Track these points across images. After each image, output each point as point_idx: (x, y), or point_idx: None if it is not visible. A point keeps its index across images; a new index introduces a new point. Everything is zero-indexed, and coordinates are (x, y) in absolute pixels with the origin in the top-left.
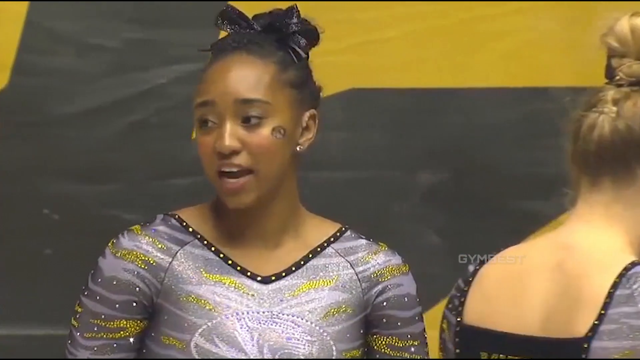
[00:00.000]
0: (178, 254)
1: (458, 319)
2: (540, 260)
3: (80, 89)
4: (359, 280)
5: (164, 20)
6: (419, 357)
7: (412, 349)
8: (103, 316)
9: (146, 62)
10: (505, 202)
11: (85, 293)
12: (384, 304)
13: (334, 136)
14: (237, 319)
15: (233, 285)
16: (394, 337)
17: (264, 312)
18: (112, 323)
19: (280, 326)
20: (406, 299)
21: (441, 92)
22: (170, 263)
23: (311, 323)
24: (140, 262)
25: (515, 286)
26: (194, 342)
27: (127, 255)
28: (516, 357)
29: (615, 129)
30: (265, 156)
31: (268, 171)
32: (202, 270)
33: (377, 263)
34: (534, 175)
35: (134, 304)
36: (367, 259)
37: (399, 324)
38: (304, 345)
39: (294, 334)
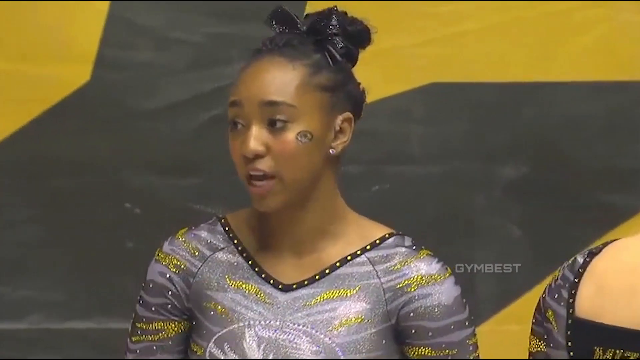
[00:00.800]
0: (209, 259)
1: (570, 312)
2: None
3: (161, 83)
4: (383, 290)
5: (244, 14)
6: None
7: (449, 358)
8: (144, 319)
9: (227, 56)
10: (587, 195)
11: (137, 298)
12: (411, 315)
13: (414, 130)
14: (247, 327)
15: (253, 292)
16: (427, 348)
17: (276, 322)
18: (151, 325)
19: (288, 336)
20: (437, 310)
21: (523, 86)
22: (199, 268)
23: (320, 334)
24: (172, 266)
25: (630, 280)
26: (209, 350)
27: (164, 259)
28: (632, 353)
29: None
30: (288, 161)
31: (293, 176)
32: (226, 276)
33: (405, 274)
34: (616, 169)
35: (169, 306)
36: (396, 268)
37: (430, 334)
38: (309, 356)
39: (300, 345)
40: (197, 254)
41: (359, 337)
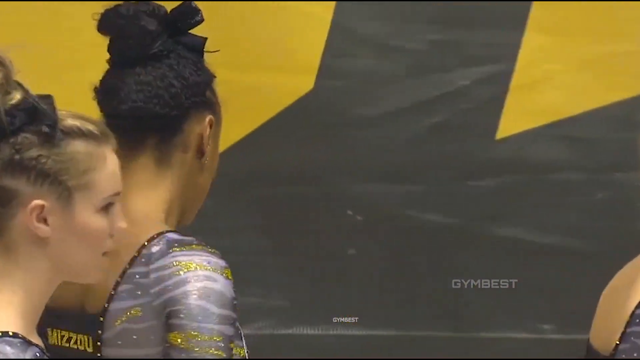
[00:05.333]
0: None
1: None
2: None
3: (382, 90)
4: None
5: (466, 20)
6: None
7: None
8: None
9: (448, 63)
10: None
11: (230, 321)
12: None
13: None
14: None
15: None
16: None
17: None
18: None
19: None
20: None
21: None
22: None
23: None
24: None
25: None
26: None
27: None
28: None
29: None
30: None
31: None
32: None
33: None
34: None
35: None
36: None
37: None
38: None
39: None
40: None
41: None
